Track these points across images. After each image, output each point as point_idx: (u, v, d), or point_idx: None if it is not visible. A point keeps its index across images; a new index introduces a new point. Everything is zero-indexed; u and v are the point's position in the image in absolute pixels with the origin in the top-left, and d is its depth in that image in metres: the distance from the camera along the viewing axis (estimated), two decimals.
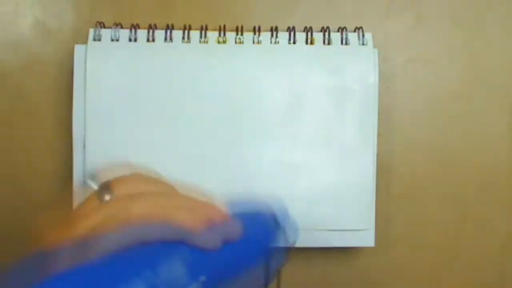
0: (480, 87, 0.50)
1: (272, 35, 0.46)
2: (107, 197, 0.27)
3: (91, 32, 0.45)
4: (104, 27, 0.46)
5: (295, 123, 0.46)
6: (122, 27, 0.46)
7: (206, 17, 0.48)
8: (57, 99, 0.48)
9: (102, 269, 0.23)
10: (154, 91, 0.45)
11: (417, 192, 0.50)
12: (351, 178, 0.46)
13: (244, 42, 0.46)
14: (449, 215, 0.50)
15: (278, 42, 0.46)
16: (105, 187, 0.27)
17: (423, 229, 0.50)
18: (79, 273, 0.22)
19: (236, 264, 0.28)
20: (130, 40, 0.45)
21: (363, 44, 0.46)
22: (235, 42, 0.46)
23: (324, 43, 0.46)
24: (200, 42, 0.46)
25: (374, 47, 0.46)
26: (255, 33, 0.46)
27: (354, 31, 0.47)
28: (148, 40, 0.45)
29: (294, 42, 0.46)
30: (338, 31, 0.47)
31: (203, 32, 0.46)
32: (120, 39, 0.45)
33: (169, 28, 0.46)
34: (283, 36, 0.46)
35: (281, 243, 0.31)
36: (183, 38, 0.46)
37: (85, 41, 0.45)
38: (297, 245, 0.46)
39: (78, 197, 0.28)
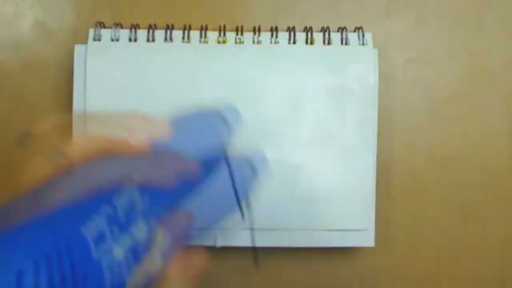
0: (480, 87, 0.50)
1: (272, 35, 0.46)
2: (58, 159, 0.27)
3: (91, 32, 0.45)
4: (104, 27, 0.46)
5: (295, 123, 0.46)
6: (122, 27, 0.46)
7: (206, 17, 0.48)
8: (57, 99, 0.48)
9: (60, 214, 0.22)
10: (154, 91, 0.45)
11: (417, 192, 0.50)
12: (351, 178, 0.46)
13: (244, 42, 0.46)
14: (449, 215, 0.50)
15: (278, 42, 0.46)
16: (57, 151, 0.27)
17: (423, 229, 0.50)
18: (38, 221, 0.22)
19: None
20: (130, 40, 0.45)
21: (363, 44, 0.46)
22: (235, 42, 0.46)
23: (324, 43, 0.46)
24: (200, 42, 0.46)
25: (374, 47, 0.46)
26: (255, 33, 0.46)
27: (354, 31, 0.47)
28: (148, 40, 0.46)
29: (294, 42, 0.46)
30: (338, 31, 0.47)
31: (203, 32, 0.46)
32: (120, 39, 0.45)
33: (169, 28, 0.46)
34: (283, 36, 0.46)
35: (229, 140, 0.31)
36: (183, 38, 0.46)
37: (85, 41, 0.45)
38: (297, 245, 0.47)
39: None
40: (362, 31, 0.47)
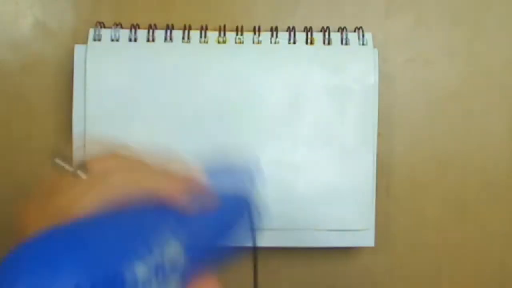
0: (480, 87, 0.50)
1: (272, 35, 0.46)
2: (82, 175, 0.27)
3: (91, 32, 0.45)
4: (104, 27, 0.46)
5: (295, 123, 0.46)
6: (122, 27, 0.46)
7: (206, 17, 0.48)
8: (57, 99, 0.48)
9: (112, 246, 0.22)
10: (154, 91, 0.45)
11: (417, 192, 0.50)
12: (351, 178, 0.46)
13: (244, 42, 0.46)
14: (449, 215, 0.50)
15: (278, 42, 0.46)
16: (81, 166, 0.27)
17: (423, 229, 0.50)
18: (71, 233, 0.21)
19: (217, 229, 0.29)
20: (130, 40, 0.45)
21: (363, 44, 0.46)
22: (235, 42, 0.46)
23: (324, 43, 0.46)
24: (200, 42, 0.46)
25: (374, 47, 0.46)
26: (255, 33, 0.46)
27: (354, 31, 0.47)
28: (148, 40, 0.46)
29: (294, 42, 0.46)
30: (338, 31, 0.47)
31: (203, 32, 0.46)
32: (120, 39, 0.45)
33: (169, 28, 0.46)
34: (283, 36, 0.46)
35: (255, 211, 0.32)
36: (183, 38, 0.46)
37: (85, 41, 0.45)
38: (297, 245, 0.47)
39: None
40: (362, 31, 0.47)
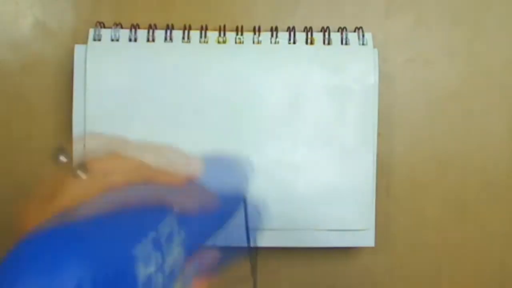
0: (480, 87, 0.50)
1: (272, 35, 0.46)
2: (82, 175, 0.27)
3: (91, 32, 0.45)
4: (104, 27, 0.46)
5: (295, 123, 0.46)
6: (122, 27, 0.46)
7: (206, 17, 0.48)
8: (57, 99, 0.48)
9: (108, 233, 0.22)
10: (154, 91, 0.45)
11: (417, 192, 0.50)
12: (351, 178, 0.46)
13: (244, 42, 0.46)
14: (449, 215, 0.50)
15: (278, 42, 0.46)
16: (81, 166, 0.27)
17: (423, 229, 0.50)
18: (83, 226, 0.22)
19: (214, 221, 0.29)
20: (130, 40, 0.45)
21: (363, 44, 0.46)
22: (235, 42, 0.46)
23: (324, 43, 0.46)
24: (200, 42, 0.46)
25: (374, 47, 0.46)
26: (255, 33, 0.46)
27: (354, 31, 0.47)
28: (148, 40, 0.46)
29: (294, 42, 0.46)
30: (338, 31, 0.47)
31: (203, 32, 0.46)
32: (120, 39, 0.45)
33: (169, 28, 0.46)
34: (283, 36, 0.46)
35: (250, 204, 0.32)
36: (183, 38, 0.46)
37: (85, 41, 0.45)
38: (297, 245, 0.47)
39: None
40: (362, 31, 0.47)
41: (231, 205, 0.31)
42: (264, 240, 0.46)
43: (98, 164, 0.27)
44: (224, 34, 0.46)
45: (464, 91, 0.50)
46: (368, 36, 0.47)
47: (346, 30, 0.46)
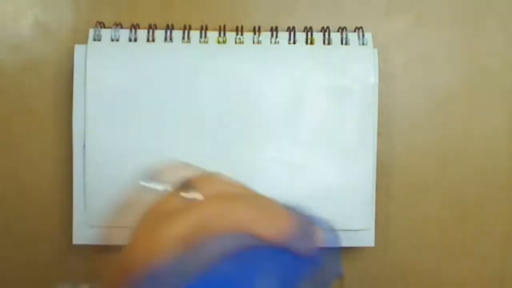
0: (480, 87, 0.50)
1: (272, 35, 0.46)
2: (191, 195, 0.26)
3: (91, 32, 0.45)
4: (104, 27, 0.46)
5: (295, 123, 0.46)
6: (122, 27, 0.46)
7: (206, 17, 0.48)
8: (57, 99, 0.48)
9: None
10: (154, 91, 0.45)
11: (417, 192, 0.50)
12: (351, 178, 0.46)
13: (244, 42, 0.46)
14: (449, 215, 0.50)
15: (278, 42, 0.46)
16: (188, 185, 0.27)
17: (423, 229, 0.50)
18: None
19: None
20: (130, 40, 0.45)
21: (363, 44, 0.46)
22: (235, 42, 0.46)
23: (324, 43, 0.46)
24: (200, 42, 0.46)
25: (374, 47, 0.46)
26: (255, 33, 0.46)
27: (354, 31, 0.47)
28: (148, 40, 0.46)
29: (294, 42, 0.46)
30: (338, 31, 0.47)
31: (203, 32, 0.46)
32: (120, 39, 0.45)
33: (169, 28, 0.46)
34: (283, 36, 0.46)
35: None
36: (183, 38, 0.46)
37: (85, 41, 0.45)
38: None
39: (137, 199, 0.28)
40: (362, 31, 0.47)
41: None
42: None
43: (205, 185, 0.27)
44: (224, 34, 0.46)
45: (464, 91, 0.50)
46: (368, 36, 0.47)
47: (346, 30, 0.46)
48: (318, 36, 0.46)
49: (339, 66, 0.46)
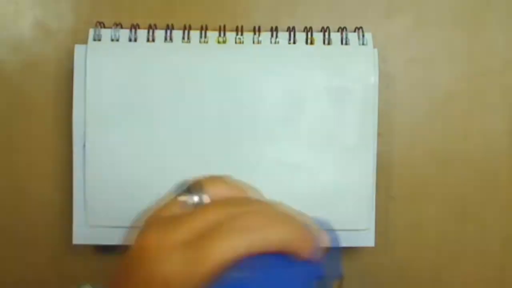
0: (480, 87, 0.50)
1: (272, 35, 0.46)
2: (198, 198, 0.26)
3: (91, 32, 0.45)
4: (104, 27, 0.46)
5: (295, 123, 0.46)
6: (122, 27, 0.46)
7: (206, 17, 0.48)
8: (57, 99, 0.48)
9: None
10: (154, 91, 0.45)
11: (417, 192, 0.50)
12: (351, 178, 0.46)
13: (244, 42, 0.46)
14: (449, 215, 0.50)
15: (278, 42, 0.46)
16: (194, 187, 0.27)
17: (423, 229, 0.50)
18: None
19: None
20: (130, 40, 0.45)
21: (363, 44, 0.46)
22: (235, 42, 0.46)
23: (324, 43, 0.46)
24: (200, 42, 0.46)
25: (374, 47, 0.46)
26: (255, 33, 0.46)
27: (354, 31, 0.47)
28: (148, 40, 0.46)
29: (294, 42, 0.46)
30: (338, 31, 0.47)
31: (203, 32, 0.46)
32: (120, 39, 0.45)
33: (169, 28, 0.46)
34: (283, 36, 0.46)
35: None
36: (183, 38, 0.46)
37: (85, 41, 0.45)
38: None
39: (170, 209, 0.28)
40: (362, 31, 0.47)
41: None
42: None
43: (213, 187, 0.27)
44: (224, 34, 0.46)
45: (464, 91, 0.50)
46: (368, 36, 0.47)
47: (346, 30, 0.46)
48: (318, 36, 0.46)
49: (339, 66, 0.46)
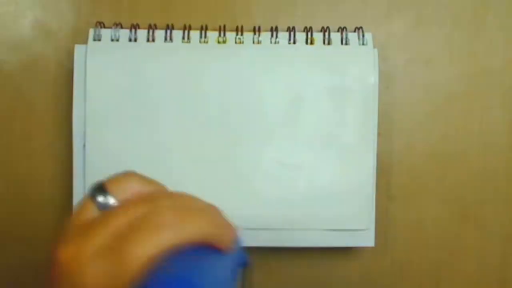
0: (480, 87, 0.50)
1: (272, 35, 0.46)
2: (103, 199, 0.26)
3: (91, 32, 0.45)
4: (104, 27, 0.46)
5: (295, 123, 0.46)
6: (122, 27, 0.46)
7: (206, 17, 0.48)
8: (57, 99, 0.48)
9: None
10: (154, 91, 0.45)
11: (417, 192, 0.50)
12: (351, 178, 0.46)
13: (244, 42, 0.46)
14: (449, 215, 0.50)
15: (278, 42, 0.46)
16: (99, 188, 0.26)
17: (423, 229, 0.50)
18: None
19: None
20: (130, 40, 0.45)
21: (363, 44, 0.46)
22: (235, 42, 0.46)
23: (324, 43, 0.46)
24: (200, 42, 0.46)
25: (374, 47, 0.46)
26: (255, 33, 0.46)
27: (354, 31, 0.47)
28: (148, 40, 0.46)
29: (294, 42, 0.46)
30: (338, 31, 0.47)
31: (203, 32, 0.46)
32: (120, 39, 0.45)
33: (169, 28, 0.46)
34: (283, 36, 0.46)
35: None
36: (183, 38, 0.46)
37: (85, 41, 0.45)
38: (297, 245, 0.47)
39: (86, 212, 0.27)
40: (362, 31, 0.47)
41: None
42: (264, 240, 0.46)
43: (116, 186, 0.26)
44: (224, 34, 0.46)
45: (464, 91, 0.50)
46: (368, 36, 0.46)
47: (346, 30, 0.46)
48: (318, 36, 0.46)
49: (339, 66, 0.46)
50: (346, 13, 0.49)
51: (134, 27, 0.46)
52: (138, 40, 0.45)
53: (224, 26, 0.46)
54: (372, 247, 0.47)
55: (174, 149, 0.45)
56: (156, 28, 0.46)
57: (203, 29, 0.46)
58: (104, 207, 0.26)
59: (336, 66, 0.46)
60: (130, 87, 0.45)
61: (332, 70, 0.46)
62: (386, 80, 0.49)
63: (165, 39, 0.46)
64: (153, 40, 0.46)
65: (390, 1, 0.50)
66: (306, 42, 0.46)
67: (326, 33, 0.46)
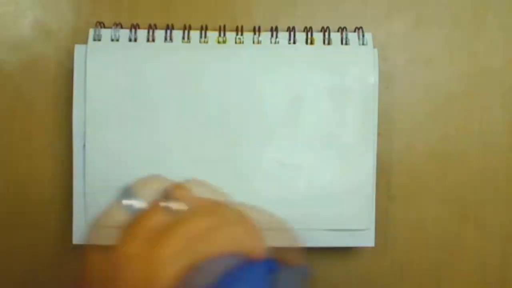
0: (480, 87, 0.50)
1: (272, 35, 0.46)
2: (174, 206, 0.27)
3: (91, 32, 0.45)
4: (104, 27, 0.46)
5: (295, 123, 0.46)
6: (122, 27, 0.46)
7: (206, 17, 0.48)
8: (57, 99, 0.48)
9: None
10: (154, 91, 0.45)
11: (417, 192, 0.50)
12: (351, 178, 0.46)
13: (244, 42, 0.46)
14: (449, 215, 0.50)
15: (278, 42, 0.46)
16: (167, 196, 0.28)
17: (423, 229, 0.50)
18: None
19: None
20: (130, 40, 0.45)
21: (363, 44, 0.46)
22: (235, 42, 0.46)
23: (324, 43, 0.46)
24: (200, 42, 0.46)
25: (374, 47, 0.46)
26: (255, 33, 0.46)
27: (354, 31, 0.47)
28: (148, 40, 0.46)
29: (294, 42, 0.46)
30: (338, 31, 0.47)
31: (203, 32, 0.46)
32: (120, 39, 0.45)
33: (169, 28, 0.46)
34: (283, 36, 0.46)
35: None
36: (183, 38, 0.46)
37: (85, 41, 0.45)
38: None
39: (113, 215, 0.28)
40: (362, 31, 0.47)
41: None
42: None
43: (182, 192, 0.28)
44: (224, 34, 0.46)
45: (464, 91, 0.50)
46: (368, 36, 0.47)
47: (346, 30, 0.46)
48: (318, 36, 0.46)
49: (339, 66, 0.46)
50: (346, 13, 0.49)
51: (134, 27, 0.46)
52: (138, 40, 0.46)
53: (224, 26, 0.46)
54: (372, 247, 0.47)
55: (174, 149, 0.45)
56: (156, 28, 0.46)
57: (203, 29, 0.46)
58: (170, 212, 0.27)
59: (336, 66, 0.46)
60: (130, 87, 0.45)
61: (332, 70, 0.46)
62: (386, 80, 0.49)
63: (165, 39, 0.46)
64: (153, 40, 0.46)
65: (390, 1, 0.50)
66: (306, 42, 0.46)
67: (326, 33, 0.46)
